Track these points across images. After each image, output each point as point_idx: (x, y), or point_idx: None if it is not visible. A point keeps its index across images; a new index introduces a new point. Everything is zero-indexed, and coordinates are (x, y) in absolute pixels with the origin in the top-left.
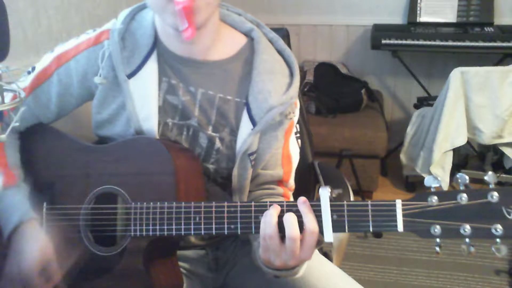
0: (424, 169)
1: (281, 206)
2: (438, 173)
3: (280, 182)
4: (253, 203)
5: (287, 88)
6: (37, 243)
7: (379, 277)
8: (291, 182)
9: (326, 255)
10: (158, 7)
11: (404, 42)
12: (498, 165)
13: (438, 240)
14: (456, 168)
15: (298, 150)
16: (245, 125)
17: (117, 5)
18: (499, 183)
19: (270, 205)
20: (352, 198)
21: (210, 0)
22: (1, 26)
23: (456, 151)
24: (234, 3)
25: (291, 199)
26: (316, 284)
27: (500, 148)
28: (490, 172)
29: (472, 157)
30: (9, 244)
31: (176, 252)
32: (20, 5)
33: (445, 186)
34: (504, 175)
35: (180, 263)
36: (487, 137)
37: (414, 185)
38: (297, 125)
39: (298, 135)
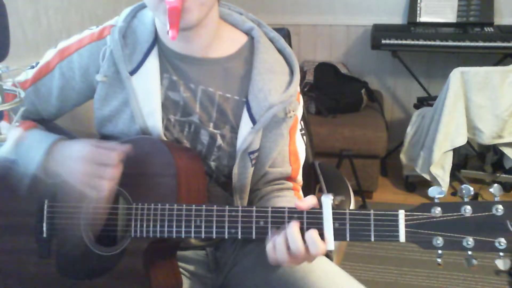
0: (424, 169)
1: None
2: (438, 173)
3: (289, 178)
4: (254, 208)
5: (286, 87)
6: (78, 151)
7: (379, 277)
8: (299, 178)
9: (326, 255)
10: (151, 5)
11: (404, 42)
12: (498, 165)
13: (440, 251)
14: (456, 168)
15: (304, 147)
16: (245, 124)
17: (117, 5)
18: (498, 183)
19: (288, 214)
20: (352, 199)
21: (203, 0)
22: (1, 26)
23: (456, 151)
24: (234, 3)
25: (300, 192)
26: (317, 283)
27: (500, 148)
28: (495, 185)
29: (472, 157)
30: (47, 170)
31: (176, 254)
32: (20, 5)
33: (445, 186)
34: (504, 175)
35: (180, 264)
36: (487, 137)
37: (414, 185)
38: (301, 122)
39: (302, 132)
